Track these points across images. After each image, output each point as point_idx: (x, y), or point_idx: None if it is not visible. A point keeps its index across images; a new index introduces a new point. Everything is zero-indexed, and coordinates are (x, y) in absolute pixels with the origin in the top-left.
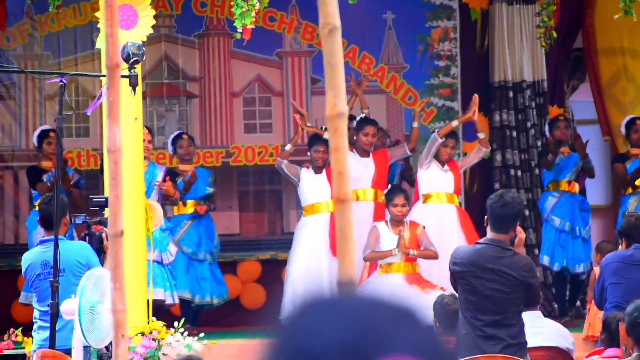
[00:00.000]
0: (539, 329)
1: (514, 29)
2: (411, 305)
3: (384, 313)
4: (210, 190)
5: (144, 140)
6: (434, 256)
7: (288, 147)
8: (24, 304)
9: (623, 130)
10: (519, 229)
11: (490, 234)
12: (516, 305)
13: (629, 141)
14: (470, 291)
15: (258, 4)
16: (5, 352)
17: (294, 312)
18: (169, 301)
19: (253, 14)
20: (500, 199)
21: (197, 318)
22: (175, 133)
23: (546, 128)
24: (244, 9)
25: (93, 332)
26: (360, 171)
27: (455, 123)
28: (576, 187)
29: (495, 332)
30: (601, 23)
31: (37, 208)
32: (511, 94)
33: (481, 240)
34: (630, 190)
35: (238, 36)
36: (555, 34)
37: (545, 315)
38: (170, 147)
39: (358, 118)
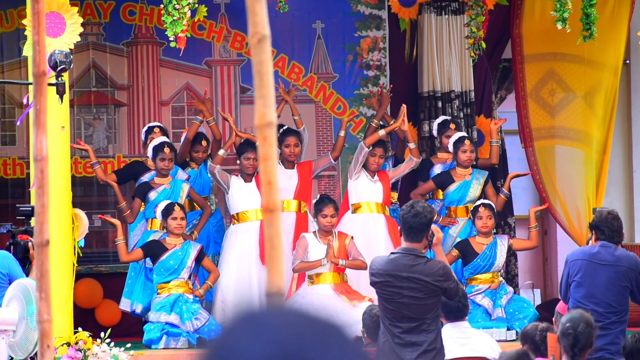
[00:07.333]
0: (466, 339)
1: (442, 39)
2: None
3: (310, 330)
4: None
5: (164, 159)
6: (362, 266)
7: (221, 152)
8: None
9: (451, 147)
10: (435, 228)
11: (404, 243)
12: (433, 311)
13: (455, 160)
14: (388, 300)
15: (189, 12)
16: None
17: (222, 328)
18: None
19: (185, 22)
20: (412, 209)
21: None
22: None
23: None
24: (175, 17)
25: (17, 343)
26: (284, 182)
27: (382, 132)
28: None
29: (413, 339)
30: (529, 32)
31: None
32: (440, 104)
33: (395, 250)
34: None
35: (174, 45)
36: (484, 45)
37: None
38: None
39: (280, 130)
